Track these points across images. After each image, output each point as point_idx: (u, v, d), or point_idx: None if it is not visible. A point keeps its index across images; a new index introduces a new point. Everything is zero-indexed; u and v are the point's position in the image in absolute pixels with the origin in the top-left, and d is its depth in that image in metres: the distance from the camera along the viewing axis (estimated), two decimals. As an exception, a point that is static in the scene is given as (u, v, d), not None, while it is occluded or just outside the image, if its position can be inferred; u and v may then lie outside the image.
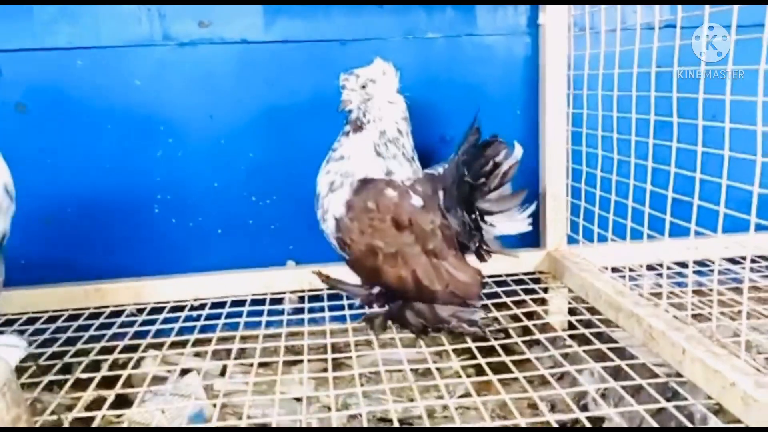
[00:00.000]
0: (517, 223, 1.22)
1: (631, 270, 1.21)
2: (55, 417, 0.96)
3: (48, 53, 1.38)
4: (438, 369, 1.09)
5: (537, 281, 1.44)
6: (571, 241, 1.44)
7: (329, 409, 1.11)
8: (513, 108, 1.49)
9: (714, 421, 0.87)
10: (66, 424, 0.95)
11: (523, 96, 1.47)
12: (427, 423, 0.93)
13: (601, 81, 1.24)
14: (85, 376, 1.11)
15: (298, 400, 1.12)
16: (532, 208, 1.21)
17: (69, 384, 1.08)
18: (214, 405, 1.05)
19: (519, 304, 1.32)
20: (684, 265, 1.15)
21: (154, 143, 1.44)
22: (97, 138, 1.42)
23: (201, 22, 1.39)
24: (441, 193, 1.22)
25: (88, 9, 1.37)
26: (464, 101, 1.45)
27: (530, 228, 1.23)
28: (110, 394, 1.03)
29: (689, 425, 0.88)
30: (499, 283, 1.41)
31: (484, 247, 1.24)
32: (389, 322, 1.27)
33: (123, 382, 1.07)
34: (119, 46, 1.39)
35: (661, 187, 1.09)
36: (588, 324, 1.20)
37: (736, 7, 0.85)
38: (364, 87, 1.21)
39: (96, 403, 1.03)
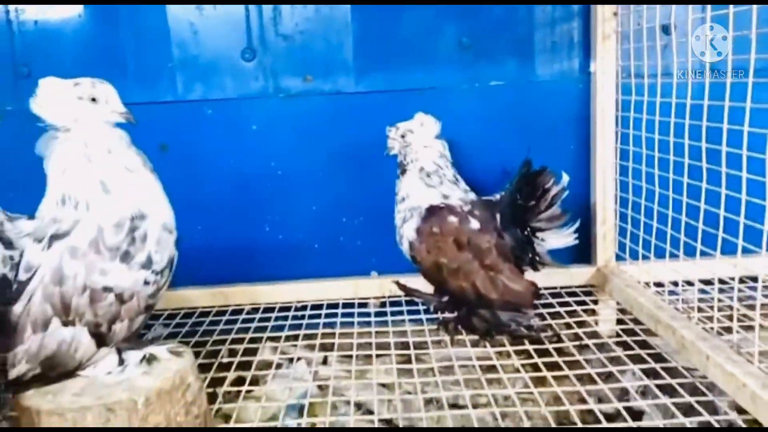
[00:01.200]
0: (564, 238, 1.43)
1: (674, 284, 1.39)
2: (211, 389, 1.29)
3: (186, 105, 1.73)
4: (501, 365, 1.34)
5: (588, 294, 1.66)
6: (619, 258, 1.64)
7: (410, 393, 1.37)
8: (567, 143, 1.71)
9: (733, 415, 1.07)
10: (220, 396, 1.28)
11: (576, 133, 1.69)
12: (495, 407, 1.17)
13: (644, 124, 1.44)
14: (225, 361, 1.44)
15: (385, 386, 1.40)
16: (576, 224, 1.42)
17: (214, 367, 1.41)
18: (320, 387, 1.35)
19: (572, 313, 1.54)
20: (711, 282, 1.33)
21: (266, 176, 1.76)
22: (222, 171, 1.76)
23: (305, 77, 1.71)
24: (498, 216, 1.46)
25: (217, 69, 1.70)
26: (523, 138, 1.68)
27: (576, 242, 1.44)
28: (247, 375, 1.36)
29: (713, 419, 1.08)
30: (554, 295, 1.64)
31: (537, 259, 1.45)
32: (459, 327, 1.53)
33: (254, 366, 1.40)
34: (241, 98, 1.72)
35: (694, 217, 1.28)
36: (631, 332, 1.41)
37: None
38: (403, 136, 1.50)
39: (237, 381, 1.36)
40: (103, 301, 0.99)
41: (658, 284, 1.45)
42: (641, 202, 1.50)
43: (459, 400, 1.28)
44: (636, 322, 1.43)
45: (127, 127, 1.08)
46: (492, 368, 1.34)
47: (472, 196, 1.51)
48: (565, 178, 1.39)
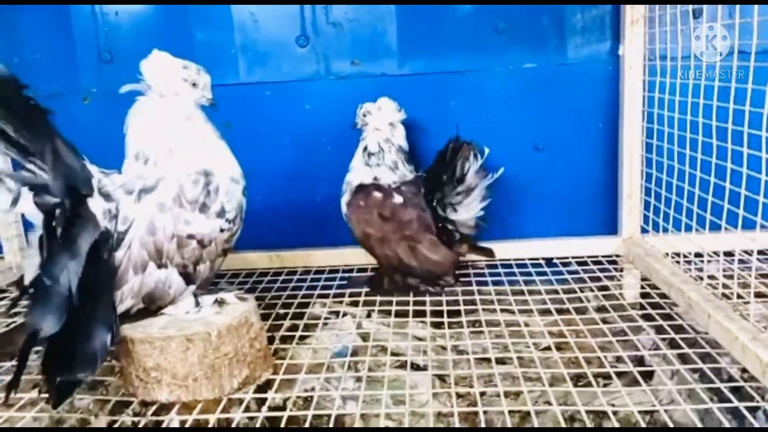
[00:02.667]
0: (472, 212, 1.59)
1: (697, 256, 1.48)
2: (269, 334, 1.51)
3: (247, 86, 1.94)
4: (526, 323, 1.49)
5: (614, 263, 1.77)
6: (644, 231, 1.74)
7: (443, 348, 1.53)
8: (596, 122, 1.80)
9: (725, 362, 1.18)
10: (277, 340, 1.49)
11: (604, 112, 1.78)
12: (515, 361, 1.32)
13: (666, 105, 1.53)
14: (281, 312, 1.66)
15: (420, 339, 1.58)
16: (486, 202, 1.59)
17: (272, 317, 1.63)
18: (363, 338, 1.54)
19: (595, 280, 1.66)
20: (728, 254, 1.42)
21: (318, 151, 1.95)
22: (279, 147, 1.97)
23: (353, 61, 1.88)
24: (422, 190, 1.62)
25: (275, 54, 1.90)
26: (554, 116, 1.80)
27: (482, 213, 1.60)
28: (300, 324, 1.57)
29: (707, 367, 1.19)
30: (580, 263, 1.76)
31: (451, 227, 1.61)
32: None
33: (306, 317, 1.61)
34: (295, 80, 1.91)
35: (716, 195, 1.37)
36: (648, 296, 1.53)
37: None
38: (364, 115, 1.69)
39: (291, 329, 1.57)
40: (188, 246, 1.20)
41: (677, 254, 1.56)
42: (664, 178, 1.59)
43: (486, 353, 1.44)
44: (653, 287, 1.55)
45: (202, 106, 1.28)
46: (517, 324, 1.48)
47: (409, 176, 1.66)
48: (486, 152, 1.53)
